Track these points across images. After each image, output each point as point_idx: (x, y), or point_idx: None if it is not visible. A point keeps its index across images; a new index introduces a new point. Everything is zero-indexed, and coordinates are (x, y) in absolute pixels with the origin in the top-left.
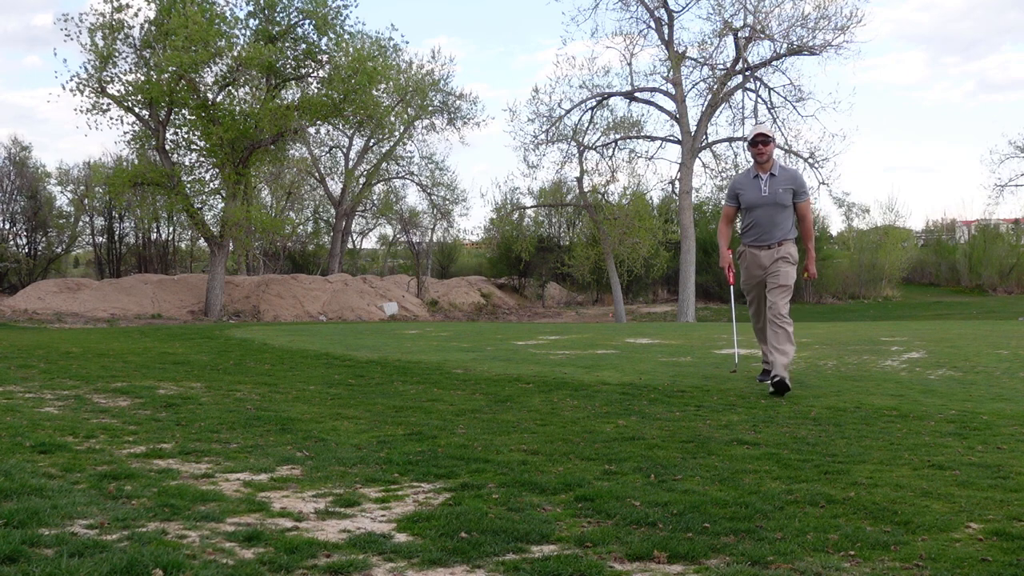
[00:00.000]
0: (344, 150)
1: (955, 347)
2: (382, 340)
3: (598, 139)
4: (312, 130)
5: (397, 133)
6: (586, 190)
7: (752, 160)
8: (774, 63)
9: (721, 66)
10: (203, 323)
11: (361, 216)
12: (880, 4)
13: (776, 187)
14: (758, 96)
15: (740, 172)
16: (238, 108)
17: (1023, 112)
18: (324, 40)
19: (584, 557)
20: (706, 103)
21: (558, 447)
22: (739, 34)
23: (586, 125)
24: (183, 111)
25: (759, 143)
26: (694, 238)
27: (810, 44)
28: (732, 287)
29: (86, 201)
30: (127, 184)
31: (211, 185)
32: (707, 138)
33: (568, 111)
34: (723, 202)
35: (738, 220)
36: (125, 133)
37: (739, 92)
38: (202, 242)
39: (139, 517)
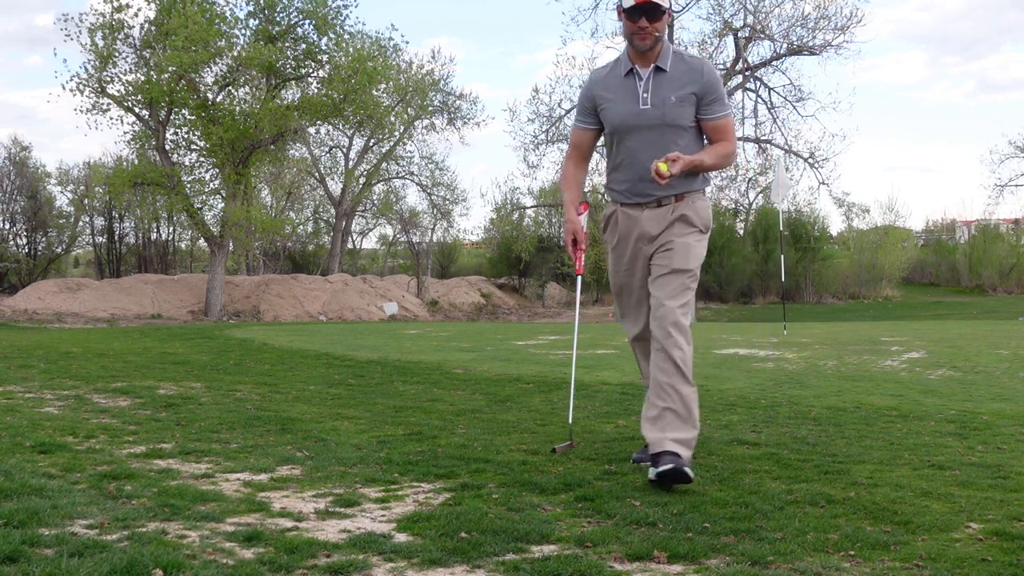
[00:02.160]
0: (344, 150)
1: (955, 347)
2: (382, 340)
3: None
4: (312, 130)
5: (397, 133)
6: (586, 190)
7: (627, 44)
8: (774, 63)
9: (721, 66)
10: (203, 323)
11: (361, 216)
12: (880, 4)
13: (666, 92)
14: (758, 96)
15: (600, 67)
16: (238, 108)
17: (1023, 112)
18: (324, 40)
19: (584, 557)
20: None
21: None
22: (739, 34)
23: None
24: (183, 111)
25: (644, 11)
26: None
27: (810, 44)
28: (580, 278)
29: (86, 201)
30: (127, 184)
31: (211, 185)
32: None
33: (568, 111)
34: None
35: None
36: (125, 133)
37: (739, 92)
38: (202, 242)
39: (139, 517)
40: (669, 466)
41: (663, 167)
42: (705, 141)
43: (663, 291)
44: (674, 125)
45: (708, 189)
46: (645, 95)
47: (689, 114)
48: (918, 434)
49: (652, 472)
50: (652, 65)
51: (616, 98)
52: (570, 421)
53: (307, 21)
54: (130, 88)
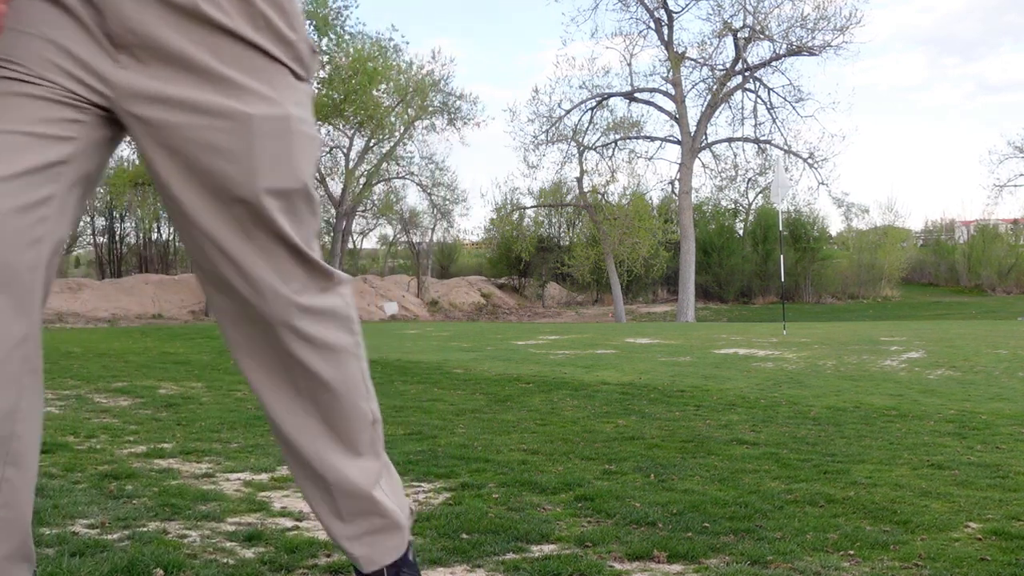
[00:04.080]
0: (344, 150)
1: (954, 347)
2: (382, 340)
3: (598, 139)
4: None
5: (397, 133)
6: (586, 190)
7: None
8: (773, 63)
9: (721, 67)
10: (204, 323)
11: (361, 216)
12: (880, 5)
13: None
14: (757, 96)
15: None
16: None
17: (1022, 113)
18: (325, 41)
19: (584, 557)
20: (706, 103)
21: (558, 447)
22: (739, 35)
23: (586, 125)
24: None
25: None
26: (694, 238)
27: (809, 45)
28: None
29: (87, 201)
30: (128, 184)
31: None
32: (707, 138)
33: (568, 111)
34: None
35: None
36: None
37: (738, 92)
38: None
39: (140, 516)
40: None
41: None
42: None
43: (251, 259)
44: None
45: None
46: None
47: None
48: (917, 434)
49: None
50: None
51: None
52: None
53: (308, 22)
54: None
